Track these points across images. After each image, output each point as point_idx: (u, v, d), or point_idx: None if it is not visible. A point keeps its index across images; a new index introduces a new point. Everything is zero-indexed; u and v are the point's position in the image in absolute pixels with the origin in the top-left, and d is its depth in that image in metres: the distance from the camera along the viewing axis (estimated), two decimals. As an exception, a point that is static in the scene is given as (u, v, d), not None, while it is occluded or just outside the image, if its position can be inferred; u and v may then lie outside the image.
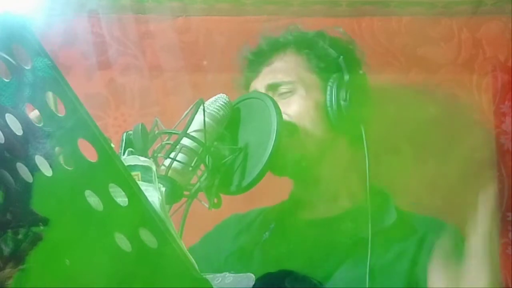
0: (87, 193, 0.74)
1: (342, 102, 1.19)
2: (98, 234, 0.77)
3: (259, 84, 1.23)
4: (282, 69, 1.23)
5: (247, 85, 1.26)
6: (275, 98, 1.18)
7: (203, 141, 1.06)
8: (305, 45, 1.24)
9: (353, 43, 1.29)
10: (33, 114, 0.75)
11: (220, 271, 0.98)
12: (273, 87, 1.21)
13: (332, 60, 1.22)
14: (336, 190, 1.24)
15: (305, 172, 1.20)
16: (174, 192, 1.03)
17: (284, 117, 1.14)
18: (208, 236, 1.27)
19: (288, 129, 1.16)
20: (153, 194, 0.84)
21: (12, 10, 0.71)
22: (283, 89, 1.21)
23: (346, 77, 1.20)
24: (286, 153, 1.15)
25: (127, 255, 0.76)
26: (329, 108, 1.19)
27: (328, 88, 1.20)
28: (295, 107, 1.19)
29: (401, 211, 1.22)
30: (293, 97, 1.20)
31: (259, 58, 1.26)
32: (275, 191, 1.24)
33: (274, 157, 1.08)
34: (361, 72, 1.25)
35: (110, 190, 0.73)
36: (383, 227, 1.17)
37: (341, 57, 1.21)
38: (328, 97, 1.19)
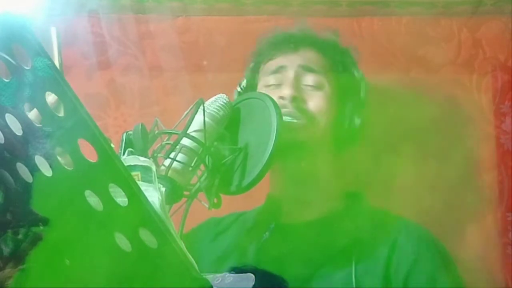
0: (87, 193, 0.74)
1: (356, 120, 1.22)
2: (98, 234, 0.77)
3: (290, 62, 1.23)
4: (317, 60, 1.24)
5: (267, 57, 1.26)
6: (302, 87, 1.21)
7: (203, 141, 1.06)
8: (340, 53, 1.27)
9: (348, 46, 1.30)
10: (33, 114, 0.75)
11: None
12: (305, 69, 1.22)
13: (353, 78, 1.25)
14: (318, 191, 1.24)
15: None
16: (174, 192, 1.03)
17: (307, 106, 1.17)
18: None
19: (299, 117, 1.18)
20: (153, 194, 0.84)
21: (12, 10, 0.71)
22: (310, 80, 1.21)
23: (363, 98, 1.24)
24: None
25: (127, 255, 0.76)
26: (344, 121, 1.22)
27: (348, 105, 1.23)
28: (320, 102, 1.21)
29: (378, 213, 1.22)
30: (319, 92, 1.22)
31: (295, 40, 1.26)
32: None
33: (274, 157, 1.08)
34: (357, 75, 1.27)
35: (110, 190, 0.73)
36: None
37: (363, 82, 1.25)
38: (346, 112, 1.22)
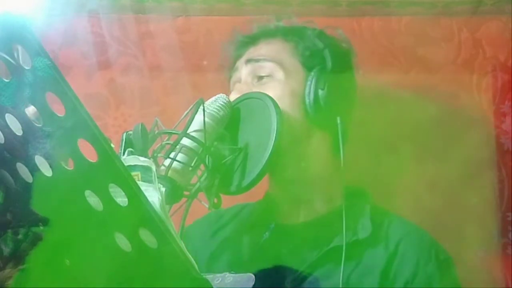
0: (87, 193, 0.74)
1: (319, 91, 1.17)
2: (98, 234, 0.77)
3: (241, 61, 1.23)
4: (266, 49, 1.23)
5: (232, 64, 1.26)
6: (254, 83, 1.19)
7: (203, 141, 1.06)
8: (293, 33, 1.24)
9: (347, 40, 1.28)
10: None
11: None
12: (252, 61, 1.21)
13: (318, 51, 1.21)
14: (311, 189, 1.22)
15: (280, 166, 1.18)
16: (174, 192, 1.03)
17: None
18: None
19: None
20: (153, 194, 0.84)
21: (12, 10, 0.71)
22: (262, 70, 1.20)
23: (328, 67, 1.19)
24: None
25: (127, 255, 0.76)
26: (306, 97, 1.17)
27: (309, 77, 1.18)
28: (272, 92, 1.17)
29: (378, 211, 1.21)
30: (272, 81, 1.19)
31: (248, 41, 1.26)
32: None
33: (274, 157, 1.08)
34: (349, 68, 1.24)
35: (110, 190, 0.73)
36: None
37: (327, 49, 1.20)
38: (307, 86, 1.18)
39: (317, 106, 1.17)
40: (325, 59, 1.20)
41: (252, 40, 1.26)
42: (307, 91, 1.18)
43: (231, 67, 1.27)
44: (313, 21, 1.27)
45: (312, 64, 1.20)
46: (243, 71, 1.23)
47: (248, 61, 1.22)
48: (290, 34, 1.24)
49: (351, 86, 1.25)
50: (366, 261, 1.15)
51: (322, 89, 1.17)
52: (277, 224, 1.23)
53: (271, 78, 1.19)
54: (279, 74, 1.19)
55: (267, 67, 1.20)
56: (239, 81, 1.23)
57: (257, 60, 1.21)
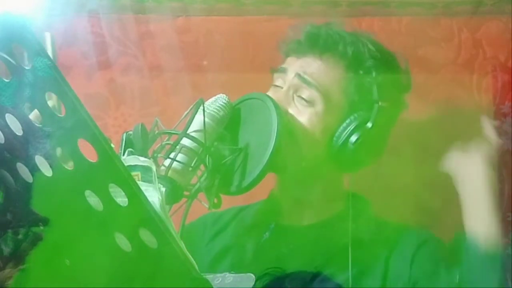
0: (87, 193, 0.74)
1: (350, 145, 1.15)
2: (98, 234, 0.77)
3: (292, 66, 1.19)
4: (318, 68, 1.18)
5: (282, 61, 1.22)
6: (294, 100, 1.16)
7: (203, 141, 1.06)
8: (342, 38, 1.19)
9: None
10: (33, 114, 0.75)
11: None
12: (300, 79, 1.16)
13: (368, 86, 1.17)
14: (320, 193, 1.23)
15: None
16: (174, 192, 1.03)
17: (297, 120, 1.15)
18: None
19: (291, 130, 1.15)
20: (153, 194, 0.84)
21: (12, 10, 0.71)
22: (304, 92, 1.16)
23: (369, 125, 1.16)
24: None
25: (127, 255, 0.76)
26: (336, 138, 1.16)
27: (350, 120, 1.16)
28: (305, 121, 1.16)
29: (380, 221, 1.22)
30: (309, 109, 1.17)
31: (307, 44, 1.20)
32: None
33: (274, 157, 1.08)
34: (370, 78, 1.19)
35: (110, 190, 0.73)
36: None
37: (378, 103, 1.16)
38: (343, 128, 1.16)
39: (344, 151, 1.16)
40: (372, 95, 1.16)
41: (311, 45, 1.19)
42: (340, 133, 1.16)
43: (279, 63, 1.22)
44: (372, 34, 1.23)
45: (358, 103, 1.17)
46: (289, 80, 1.18)
47: (298, 75, 1.17)
48: (349, 45, 1.18)
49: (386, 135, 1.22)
50: (369, 263, 1.15)
51: (353, 144, 1.15)
52: (277, 225, 1.23)
53: (311, 105, 1.16)
54: (319, 107, 1.16)
55: (311, 93, 1.16)
56: (281, 86, 1.19)
57: (305, 81, 1.16)
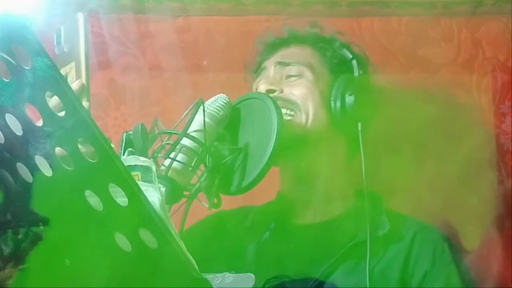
0: (87, 193, 0.74)
1: (347, 97, 1.21)
2: (98, 234, 0.77)
3: (270, 62, 1.26)
4: (296, 53, 1.26)
5: (259, 65, 1.28)
6: (283, 81, 1.22)
7: (203, 141, 1.06)
8: (322, 40, 1.28)
9: (362, 49, 1.32)
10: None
11: None
12: (282, 64, 1.24)
13: (345, 60, 1.26)
14: (328, 191, 1.23)
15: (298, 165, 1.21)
16: (174, 192, 1.03)
17: (290, 96, 1.19)
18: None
19: (290, 107, 1.19)
20: (153, 194, 0.84)
21: (12, 10, 0.71)
22: (291, 70, 1.23)
23: (356, 76, 1.24)
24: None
25: (127, 255, 0.76)
26: (332, 101, 1.21)
27: (337, 82, 1.22)
28: (301, 89, 1.21)
29: (393, 214, 1.22)
30: (301, 80, 1.23)
31: (280, 42, 1.29)
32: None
33: (274, 157, 1.08)
34: (369, 75, 1.28)
35: (110, 190, 0.73)
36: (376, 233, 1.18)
37: (355, 59, 1.25)
38: (334, 90, 1.21)
39: (343, 110, 1.21)
40: (352, 68, 1.24)
41: (283, 42, 1.29)
42: (334, 94, 1.21)
43: (258, 67, 1.29)
44: (343, 34, 1.31)
45: (339, 71, 1.24)
46: (272, 71, 1.25)
47: (278, 63, 1.25)
48: (320, 42, 1.28)
49: (373, 95, 1.28)
50: (388, 256, 1.16)
51: (350, 95, 1.21)
52: (277, 224, 1.23)
53: (300, 77, 1.23)
54: (308, 75, 1.23)
55: (297, 69, 1.24)
56: (267, 79, 1.24)
57: (288, 64, 1.24)
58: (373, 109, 1.25)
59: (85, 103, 0.96)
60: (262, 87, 1.22)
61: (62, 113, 0.71)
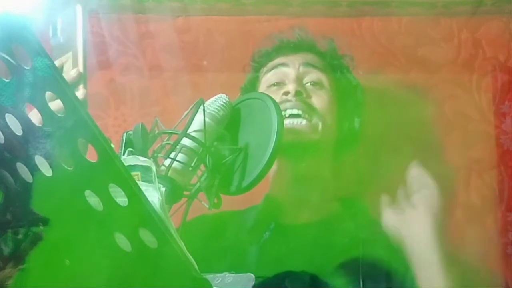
0: (87, 193, 0.74)
1: (355, 120, 1.26)
2: (98, 234, 0.77)
3: (292, 60, 1.27)
4: (318, 61, 1.28)
5: (267, 60, 1.30)
6: (305, 85, 1.25)
7: (203, 141, 1.06)
8: (337, 59, 1.32)
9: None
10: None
11: None
12: (308, 66, 1.26)
13: (350, 84, 1.30)
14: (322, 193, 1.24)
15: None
16: (174, 192, 1.03)
17: (315, 103, 1.22)
18: None
19: (311, 114, 1.22)
20: (153, 194, 0.84)
21: (12, 10, 0.71)
22: (313, 76, 1.25)
23: (360, 101, 1.28)
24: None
25: (127, 255, 0.76)
26: (341, 120, 1.26)
27: (345, 103, 1.27)
28: (323, 98, 1.24)
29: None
30: (321, 89, 1.25)
31: (301, 46, 1.31)
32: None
33: (274, 157, 1.08)
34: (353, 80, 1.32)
35: (110, 190, 0.73)
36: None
37: (360, 86, 1.30)
38: (343, 110, 1.26)
39: (350, 133, 1.26)
40: (358, 92, 1.30)
41: (307, 48, 1.31)
42: (343, 114, 1.26)
43: (264, 62, 1.30)
44: (353, 57, 1.34)
45: (346, 92, 1.28)
46: (295, 69, 1.26)
47: (305, 64, 1.27)
48: (334, 59, 1.31)
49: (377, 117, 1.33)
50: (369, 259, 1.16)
51: (357, 120, 1.26)
52: (277, 224, 1.23)
53: (320, 86, 1.26)
54: (327, 86, 1.26)
55: (318, 75, 1.26)
56: (287, 76, 1.26)
57: (313, 66, 1.27)
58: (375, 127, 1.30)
59: (82, 90, 0.96)
60: (291, 87, 1.23)
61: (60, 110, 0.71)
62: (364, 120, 1.29)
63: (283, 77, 1.26)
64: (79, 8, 1.00)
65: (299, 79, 1.25)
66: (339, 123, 1.25)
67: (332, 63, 1.30)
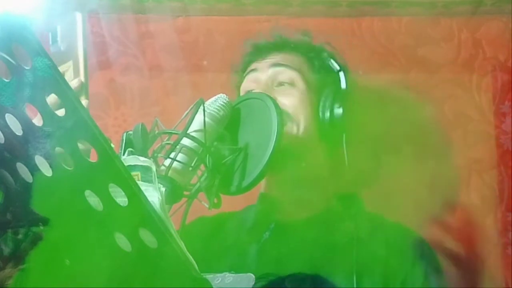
0: (87, 193, 0.74)
1: (335, 109, 1.22)
2: (98, 234, 0.77)
3: (262, 65, 1.26)
4: (288, 59, 1.26)
5: (246, 65, 1.29)
6: (274, 88, 1.22)
7: (203, 141, 1.06)
8: (312, 50, 1.28)
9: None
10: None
11: None
12: (276, 66, 1.24)
13: (331, 72, 1.26)
14: (308, 193, 1.24)
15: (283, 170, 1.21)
16: (174, 192, 1.03)
17: (282, 106, 1.17)
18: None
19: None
20: (153, 194, 0.84)
21: (12, 10, 0.71)
22: (284, 76, 1.23)
23: (343, 88, 1.24)
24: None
25: (127, 255, 0.76)
26: (321, 112, 1.22)
27: (325, 94, 1.23)
28: (293, 99, 1.21)
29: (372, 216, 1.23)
30: (292, 89, 1.22)
31: (271, 47, 1.29)
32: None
33: (274, 157, 1.08)
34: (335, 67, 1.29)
35: (110, 190, 0.73)
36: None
37: (342, 72, 1.25)
38: (322, 102, 1.22)
39: (332, 122, 1.22)
40: (339, 79, 1.25)
41: (275, 47, 1.29)
42: (322, 106, 1.22)
43: (245, 68, 1.29)
44: (330, 43, 1.31)
45: (326, 82, 1.25)
46: (265, 74, 1.24)
47: (273, 65, 1.24)
48: (310, 51, 1.28)
49: (360, 106, 1.29)
50: (365, 258, 1.16)
51: (338, 107, 1.22)
52: (277, 224, 1.23)
53: (291, 86, 1.23)
54: (300, 84, 1.23)
55: (289, 74, 1.24)
56: (257, 82, 1.24)
57: (282, 65, 1.24)
58: (360, 120, 1.27)
59: (84, 101, 0.96)
60: (256, 92, 1.21)
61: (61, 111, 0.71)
62: (365, 119, 1.28)
63: (254, 83, 1.25)
64: (79, 16, 1.00)
65: (267, 84, 1.23)
66: (319, 115, 1.22)
67: (309, 56, 1.28)
